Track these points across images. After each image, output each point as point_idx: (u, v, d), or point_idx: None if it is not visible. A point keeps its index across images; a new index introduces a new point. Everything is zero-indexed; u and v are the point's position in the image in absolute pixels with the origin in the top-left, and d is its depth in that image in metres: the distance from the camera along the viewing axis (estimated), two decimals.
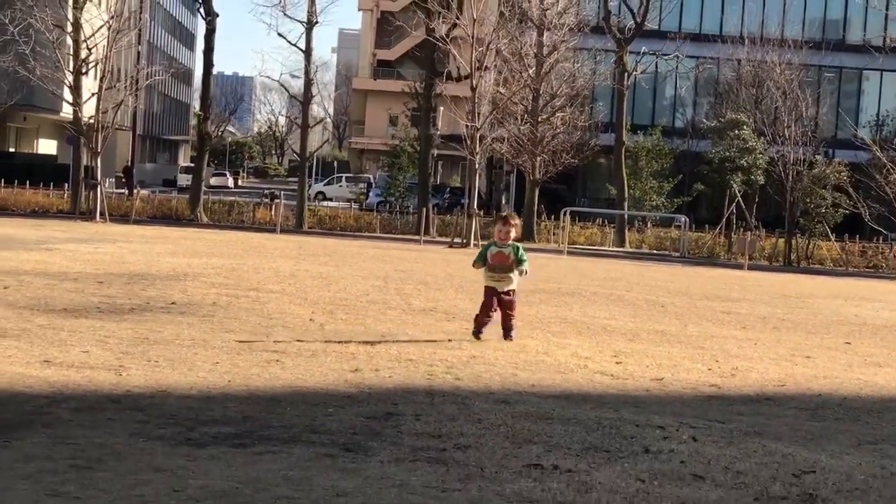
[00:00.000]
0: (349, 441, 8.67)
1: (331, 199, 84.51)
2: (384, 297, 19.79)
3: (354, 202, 72.12)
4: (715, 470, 8.43)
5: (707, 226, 54.73)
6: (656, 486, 7.83)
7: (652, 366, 13.74)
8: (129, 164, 79.06)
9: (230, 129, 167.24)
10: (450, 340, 14.52)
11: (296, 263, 26.59)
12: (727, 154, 53.69)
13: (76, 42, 47.54)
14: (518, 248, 15.06)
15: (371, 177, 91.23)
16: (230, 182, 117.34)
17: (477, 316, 15.02)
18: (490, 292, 14.90)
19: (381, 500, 7.05)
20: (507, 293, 14.91)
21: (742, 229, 51.27)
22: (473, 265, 15.52)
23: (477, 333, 14.78)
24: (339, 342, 13.95)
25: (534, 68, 52.41)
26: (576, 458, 8.55)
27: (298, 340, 13.90)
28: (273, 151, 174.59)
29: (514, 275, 14.95)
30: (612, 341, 15.86)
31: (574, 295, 23.15)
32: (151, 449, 8.13)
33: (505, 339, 14.79)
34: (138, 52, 61.21)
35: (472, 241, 41.67)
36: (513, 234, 15.10)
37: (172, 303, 16.94)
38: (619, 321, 18.54)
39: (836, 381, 13.64)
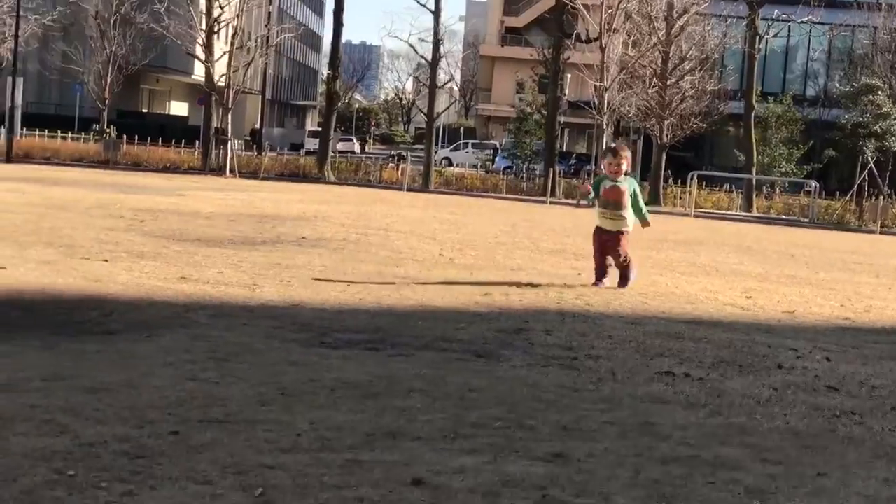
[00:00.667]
0: (481, 349, 8.72)
1: (457, 166, 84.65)
2: (513, 240, 19.82)
3: (481, 167, 72.10)
4: (850, 384, 8.34)
5: (837, 193, 53.85)
6: (789, 394, 7.76)
7: (783, 301, 13.59)
8: (258, 126, 79.91)
9: (357, 96, 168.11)
10: (579, 274, 14.47)
11: (423, 211, 26.72)
12: (860, 119, 52.70)
13: (209, 1, 48.09)
14: (635, 185, 13.51)
15: (497, 143, 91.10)
16: (357, 147, 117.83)
17: (595, 265, 13.54)
18: (600, 235, 13.34)
19: (514, 397, 7.09)
20: (620, 234, 13.23)
21: (874, 196, 50.35)
22: (585, 200, 14.57)
23: (598, 281, 13.30)
24: (470, 273, 14.00)
25: (663, 31, 51.82)
26: (707, 369, 8.51)
27: (428, 270, 13.98)
28: (399, 119, 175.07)
29: (629, 213, 13.29)
30: (742, 281, 15.70)
31: (702, 244, 22.96)
32: (286, 348, 8.26)
33: (620, 286, 13.19)
34: (269, 14, 61.68)
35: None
36: (624, 166, 13.29)
37: (303, 237, 17.13)
38: (748, 266, 18.35)
39: None
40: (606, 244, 13.25)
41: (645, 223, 13.63)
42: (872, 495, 5.47)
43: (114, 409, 6.12)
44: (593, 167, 45.64)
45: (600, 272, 13.38)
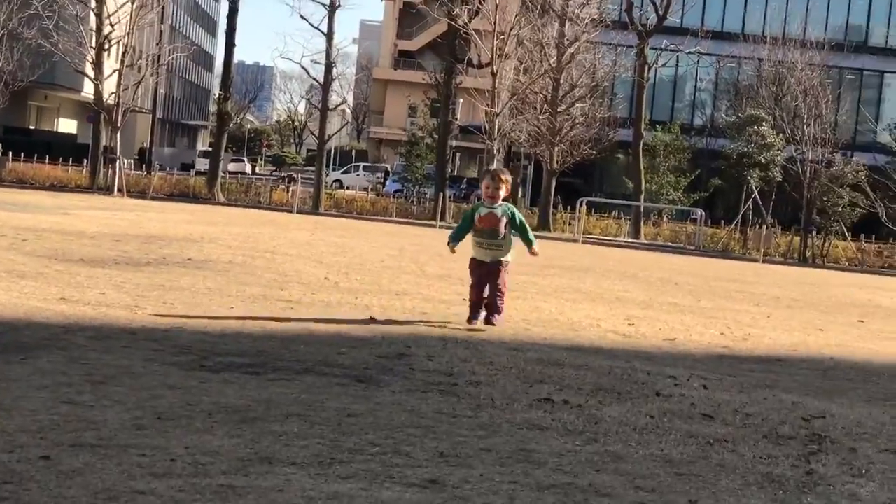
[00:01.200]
0: (361, 374, 8.72)
1: (348, 188, 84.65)
2: (399, 264, 19.85)
3: (371, 190, 72.12)
4: (725, 412, 8.46)
5: (723, 222, 54.67)
6: (666, 422, 7.86)
7: (664, 329, 13.77)
8: (146, 145, 79.27)
9: (249, 116, 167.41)
10: (464, 300, 14.50)
11: (311, 234, 26.68)
12: (745, 150, 53.63)
13: (99, 17, 47.65)
14: (513, 210, 12.30)
15: (388, 166, 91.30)
16: (248, 168, 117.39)
17: (469, 298, 12.45)
18: (478, 267, 12.22)
19: (392, 421, 7.10)
20: (498, 265, 12.13)
21: (758, 225, 51.18)
22: (448, 243, 12.49)
23: (473, 317, 12.19)
24: (354, 297, 14.00)
25: (555, 58, 52.34)
26: (586, 396, 8.59)
27: (313, 293, 13.96)
28: (291, 140, 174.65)
29: (507, 242, 12.20)
30: (625, 308, 15.88)
31: (588, 271, 23.17)
32: (166, 371, 8.19)
33: (486, 322, 12.10)
34: (160, 32, 61.27)
35: None
36: (503, 192, 12.17)
37: (189, 259, 17.02)
38: (632, 293, 18.56)
39: (848, 349, 13.66)
40: (484, 277, 12.12)
41: (531, 250, 12.58)
42: None
43: None
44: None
45: (476, 307, 12.21)
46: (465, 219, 12.47)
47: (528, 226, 12.56)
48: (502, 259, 12.17)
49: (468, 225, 12.28)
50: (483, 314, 12.17)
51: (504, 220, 12.11)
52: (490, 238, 12.12)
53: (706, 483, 6.27)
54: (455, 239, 12.43)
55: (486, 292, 12.16)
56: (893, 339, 15.32)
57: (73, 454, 5.73)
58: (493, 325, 12.01)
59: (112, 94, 47.52)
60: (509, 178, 12.56)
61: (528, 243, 12.50)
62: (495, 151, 49.39)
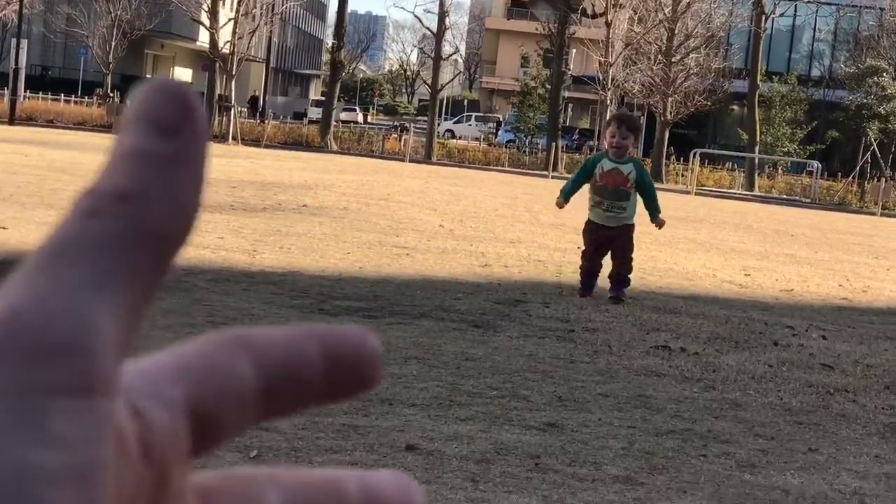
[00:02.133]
0: (478, 320, 8.76)
1: (460, 138, 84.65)
2: (513, 213, 19.86)
3: (484, 140, 72.08)
4: (845, 362, 8.38)
5: (839, 174, 53.87)
6: (784, 371, 7.81)
7: (781, 280, 13.64)
8: (258, 93, 79.95)
9: (361, 66, 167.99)
10: (579, 247, 14.48)
11: (425, 182, 26.76)
12: (864, 101, 52.73)
13: None
14: (643, 169, 10.60)
15: (501, 116, 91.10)
16: (360, 117, 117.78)
17: (581, 266, 10.69)
18: (594, 231, 10.50)
19: (510, 366, 7.13)
20: (623, 230, 10.39)
21: (876, 178, 50.35)
22: (559, 197, 10.76)
23: (584, 290, 10.45)
24: (469, 244, 14.04)
25: (669, 7, 51.76)
26: (703, 344, 8.55)
27: (428, 240, 14.02)
28: (403, 90, 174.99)
29: (633, 206, 10.41)
30: (741, 259, 15.75)
31: (702, 222, 22.99)
32: (285, 314, 8.30)
33: (611, 297, 10.28)
34: None
35: None
36: (629, 144, 10.43)
37: (304, 205, 17.17)
38: (747, 244, 18.39)
39: None
40: (608, 244, 10.38)
41: (657, 219, 10.62)
42: (862, 471, 5.51)
43: None
44: (596, 142, 45.60)
45: (588, 278, 10.48)
46: (582, 170, 10.58)
47: (655, 191, 10.67)
48: (628, 223, 10.37)
49: (585, 178, 10.42)
50: (606, 287, 10.39)
51: (632, 177, 10.24)
52: (614, 198, 10.23)
53: (826, 432, 6.23)
54: (568, 193, 10.60)
55: (602, 262, 10.47)
56: None
57: None
58: (622, 300, 10.17)
59: (227, 42, 47.91)
60: (640, 127, 11.39)
61: (654, 211, 10.49)
62: (608, 102, 49.08)
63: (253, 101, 75.57)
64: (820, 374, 7.84)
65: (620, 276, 10.35)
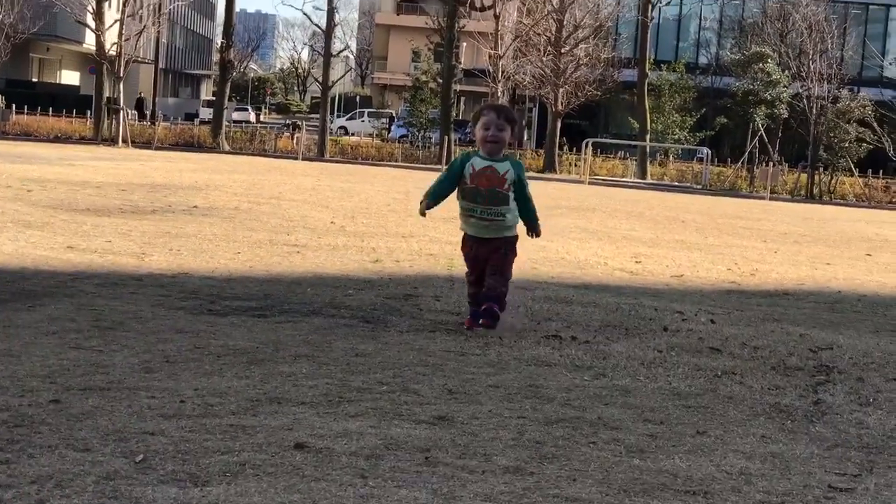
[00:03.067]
0: (369, 315, 8.73)
1: (353, 135, 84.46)
2: (405, 207, 19.84)
3: (377, 136, 72.03)
4: (732, 345, 8.48)
5: (729, 160, 54.55)
6: (673, 356, 7.88)
7: (671, 266, 13.78)
8: (143, 95, 79.18)
9: (252, 65, 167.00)
10: None
11: (317, 180, 26.66)
12: (751, 87, 53.41)
13: None
14: (521, 169, 8.57)
15: (393, 112, 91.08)
16: (252, 117, 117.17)
17: (468, 292, 8.83)
18: (472, 247, 8.68)
19: (401, 360, 7.12)
20: (503, 243, 8.54)
21: (765, 163, 51.07)
22: (423, 201, 8.61)
23: (474, 320, 8.47)
24: (361, 240, 14.01)
25: None
26: (594, 332, 8.60)
27: (319, 238, 13.97)
28: (295, 88, 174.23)
29: (513, 213, 8.48)
30: (633, 246, 15.88)
31: (594, 211, 23.16)
32: (174, 316, 8.22)
33: (482, 322, 8.38)
34: None
35: None
36: (507, 137, 8.44)
37: (194, 206, 17.03)
38: (639, 232, 18.56)
39: (855, 282, 13.67)
40: (484, 259, 8.54)
41: (533, 229, 8.71)
42: (749, 452, 5.57)
43: None
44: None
45: (476, 302, 8.57)
46: (449, 172, 8.50)
47: (529, 192, 8.53)
48: (509, 234, 8.52)
49: (453, 181, 8.40)
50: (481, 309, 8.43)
51: (509, 179, 8.32)
52: (490, 203, 8.30)
53: (714, 414, 6.29)
54: (433, 197, 8.50)
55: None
56: None
57: (82, 397, 5.75)
58: (492, 326, 8.34)
59: (114, 44, 47.38)
60: (516, 118, 9.14)
61: (530, 222, 8.61)
62: (500, 94, 49.28)
63: (139, 103, 74.73)
64: (708, 357, 7.93)
65: (490, 293, 8.38)
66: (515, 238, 8.53)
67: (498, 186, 8.22)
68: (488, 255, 8.41)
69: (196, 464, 4.84)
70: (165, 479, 4.66)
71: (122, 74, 46.71)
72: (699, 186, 49.08)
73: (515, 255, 8.58)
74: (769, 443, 5.77)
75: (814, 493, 5.07)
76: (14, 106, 51.22)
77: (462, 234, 8.70)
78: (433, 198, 8.42)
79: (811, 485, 5.17)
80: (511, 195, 8.27)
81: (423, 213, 8.67)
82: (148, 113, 64.42)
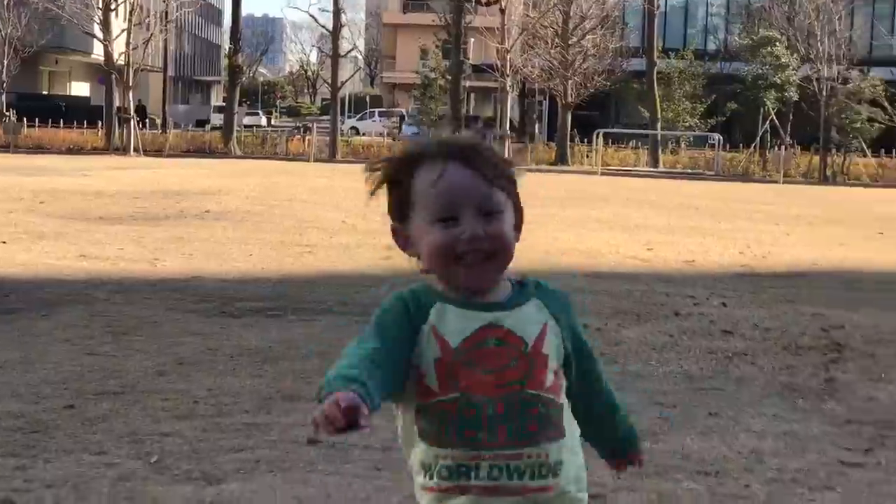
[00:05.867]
0: None
1: (364, 135, 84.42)
2: None
3: (388, 135, 72.07)
4: (744, 327, 8.50)
5: (741, 146, 54.41)
6: (685, 339, 7.91)
7: (684, 252, 13.78)
8: (142, 102, 79.35)
9: (262, 69, 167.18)
10: None
11: (329, 181, 26.67)
12: (760, 72, 53.28)
13: None
14: (567, 302, 2.61)
15: (404, 110, 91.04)
16: (263, 121, 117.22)
17: None
18: None
19: None
20: None
21: (777, 147, 50.93)
22: (317, 398, 2.16)
23: None
24: (373, 238, 14.03)
25: None
26: (606, 319, 8.62)
27: (331, 237, 14.01)
28: (305, 90, 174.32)
29: (571, 441, 2.50)
30: (645, 234, 15.88)
31: (607, 200, 23.12)
32: (187, 319, 8.26)
33: None
34: None
35: None
36: (508, 228, 2.47)
37: (207, 211, 17.06)
38: (651, 220, 18.54)
39: (868, 261, 13.66)
40: None
41: (629, 447, 2.83)
42: (761, 431, 5.60)
43: (9, 385, 6.11)
44: (499, 131, 45.61)
45: None
46: (380, 333, 2.48)
47: (599, 366, 2.74)
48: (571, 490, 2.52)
49: (395, 360, 2.42)
50: None
51: (553, 354, 2.49)
52: (519, 439, 2.43)
53: (726, 396, 6.32)
54: (339, 380, 2.24)
55: None
56: None
57: (96, 402, 5.80)
58: None
59: (122, 54, 47.43)
60: (509, 159, 2.60)
61: (618, 430, 2.79)
62: (509, 88, 49.27)
63: (141, 111, 74.79)
64: (720, 340, 7.95)
65: None
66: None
67: (533, 380, 2.46)
68: None
69: (210, 462, 4.89)
70: (180, 478, 4.71)
71: (131, 83, 46.76)
72: (712, 173, 48.97)
73: None
74: (781, 422, 5.79)
75: (826, 469, 5.10)
76: (25, 119, 51.34)
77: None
78: (339, 382, 2.26)
79: (823, 461, 5.20)
80: (563, 396, 2.54)
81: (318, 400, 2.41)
82: (149, 121, 64.40)
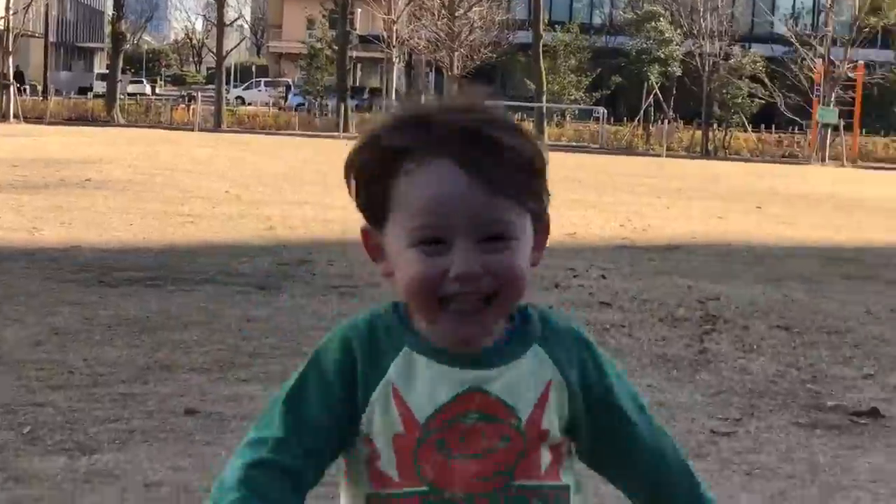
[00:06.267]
0: (262, 282, 8.76)
1: (250, 104, 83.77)
2: (301, 175, 19.81)
3: (274, 105, 71.59)
4: (622, 299, 8.62)
5: (625, 119, 54.93)
6: (564, 311, 7.98)
7: (565, 224, 13.86)
8: (19, 68, 77.90)
9: (146, 37, 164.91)
10: None
11: (213, 150, 26.49)
12: (644, 46, 53.84)
13: None
14: (595, 350, 1.73)
15: (290, 80, 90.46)
16: (148, 90, 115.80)
17: None
18: None
19: (294, 325, 7.15)
20: None
21: (660, 121, 51.50)
22: None
23: None
24: (256, 208, 13.98)
25: None
26: None
27: (214, 207, 13.92)
28: (191, 59, 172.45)
29: None
30: None
31: None
32: (64, 289, 8.18)
33: None
34: None
35: None
36: (523, 261, 1.64)
37: (88, 179, 16.86)
38: None
39: (745, 234, 13.90)
40: None
41: None
42: None
43: None
44: (385, 100, 45.60)
45: None
46: (290, 417, 1.69)
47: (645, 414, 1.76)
48: None
49: (318, 445, 1.67)
50: None
51: (552, 428, 1.69)
52: None
53: None
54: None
55: None
56: (789, 224, 15.62)
57: None
58: None
59: (1, 18, 46.58)
60: (538, 143, 1.77)
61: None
62: (395, 59, 49.21)
63: (19, 77, 73.40)
64: (598, 311, 8.06)
65: None
66: None
67: (526, 469, 1.68)
68: None
69: (84, 433, 4.86)
70: (53, 449, 4.68)
71: (10, 49, 45.92)
72: (596, 146, 49.40)
73: None
74: (654, 391, 5.89)
75: (697, 438, 5.20)
76: None
77: None
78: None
79: (694, 430, 5.31)
80: (564, 472, 1.72)
81: None
82: (28, 88, 63.23)
